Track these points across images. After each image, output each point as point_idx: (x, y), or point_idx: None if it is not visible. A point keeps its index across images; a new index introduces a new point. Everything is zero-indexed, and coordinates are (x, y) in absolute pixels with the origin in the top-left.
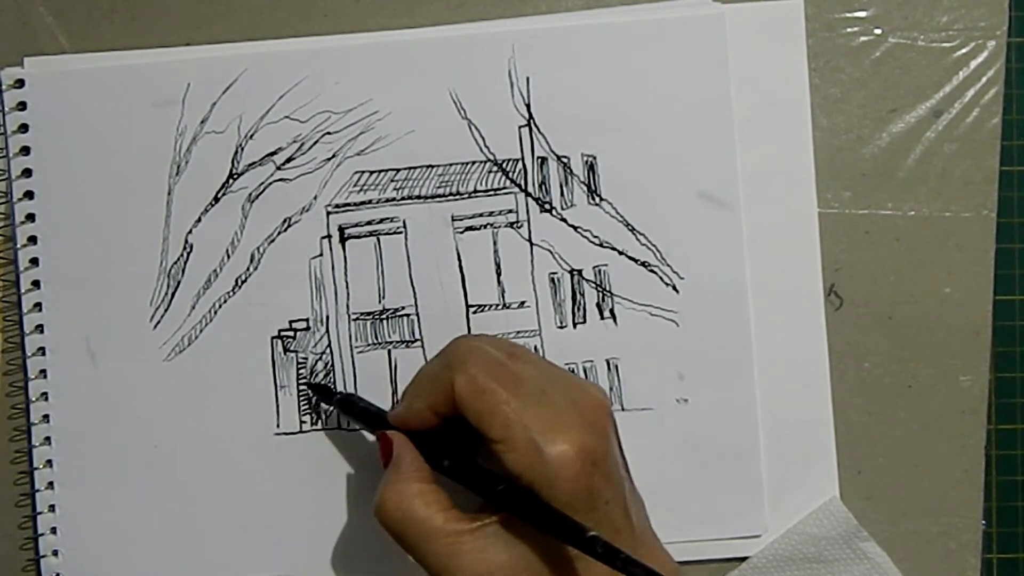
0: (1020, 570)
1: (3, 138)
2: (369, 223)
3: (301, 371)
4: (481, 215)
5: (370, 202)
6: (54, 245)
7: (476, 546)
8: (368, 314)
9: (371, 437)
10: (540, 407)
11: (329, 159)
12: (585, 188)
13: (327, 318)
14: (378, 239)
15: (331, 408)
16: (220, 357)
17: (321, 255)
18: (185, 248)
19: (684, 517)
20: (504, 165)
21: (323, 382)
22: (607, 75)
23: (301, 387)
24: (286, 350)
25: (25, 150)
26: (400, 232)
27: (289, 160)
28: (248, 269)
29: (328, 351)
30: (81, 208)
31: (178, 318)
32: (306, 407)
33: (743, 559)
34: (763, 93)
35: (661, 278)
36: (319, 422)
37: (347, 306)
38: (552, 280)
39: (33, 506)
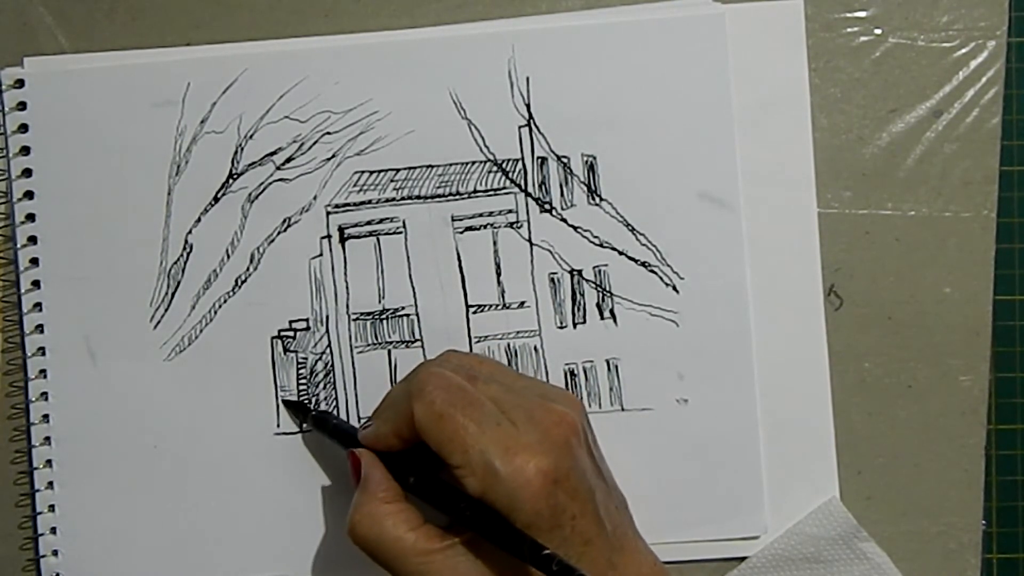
0: (1020, 570)
1: (3, 138)
2: (369, 223)
3: (301, 371)
4: (481, 215)
5: (370, 202)
6: (54, 245)
7: (447, 564)
8: (368, 314)
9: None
10: (499, 430)
11: (329, 159)
12: (585, 188)
13: (327, 318)
14: (378, 239)
15: (307, 425)
16: (220, 357)
17: (321, 255)
18: (185, 248)
19: (684, 517)
20: (504, 165)
21: (299, 399)
22: (607, 75)
23: (301, 386)
24: (286, 350)
25: (25, 150)
26: (400, 232)
27: (289, 160)
28: (248, 269)
29: (328, 351)
30: (81, 208)
31: (178, 318)
32: (305, 400)
33: (743, 559)
34: (763, 93)
35: (661, 278)
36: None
37: (347, 306)
38: (552, 280)
39: (33, 506)
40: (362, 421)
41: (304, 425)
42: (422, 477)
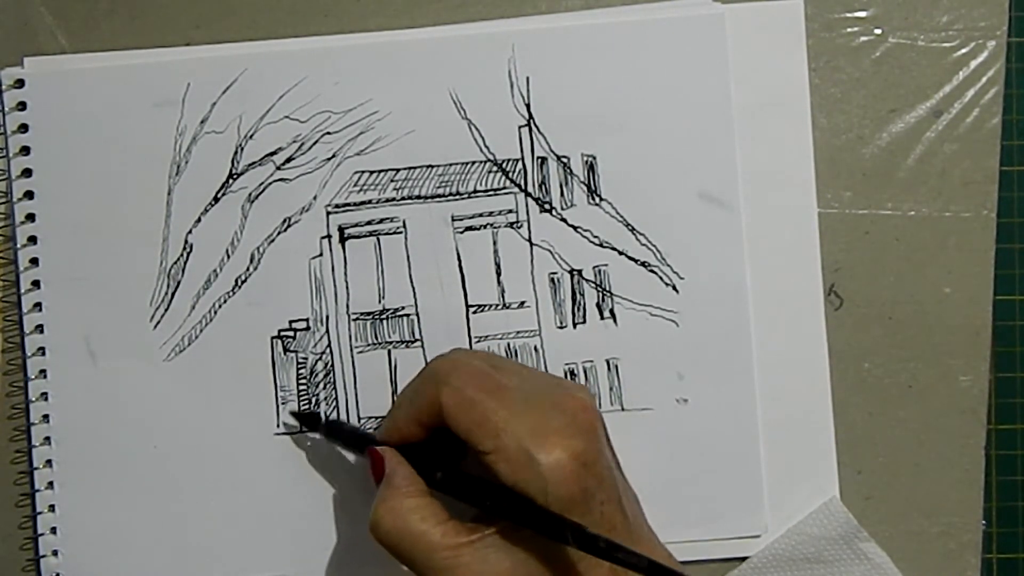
0: (1020, 570)
1: (3, 138)
2: (369, 223)
3: (301, 371)
4: (481, 215)
5: (370, 202)
6: (54, 245)
7: (476, 557)
8: (368, 314)
9: (351, 458)
10: (528, 415)
11: (329, 159)
12: (585, 188)
13: (327, 318)
14: (378, 239)
15: (318, 435)
16: (220, 357)
17: (321, 255)
18: (185, 248)
19: (684, 517)
20: (504, 165)
21: (307, 409)
22: (607, 75)
23: (301, 386)
24: (286, 350)
25: (25, 150)
26: (400, 232)
27: (289, 160)
28: (248, 269)
29: (328, 351)
30: (81, 208)
31: (178, 318)
32: (306, 407)
33: (743, 559)
34: (763, 93)
35: (661, 278)
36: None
37: (347, 306)
38: (552, 280)
39: (33, 506)
40: (362, 422)
41: (316, 434)
42: (449, 472)
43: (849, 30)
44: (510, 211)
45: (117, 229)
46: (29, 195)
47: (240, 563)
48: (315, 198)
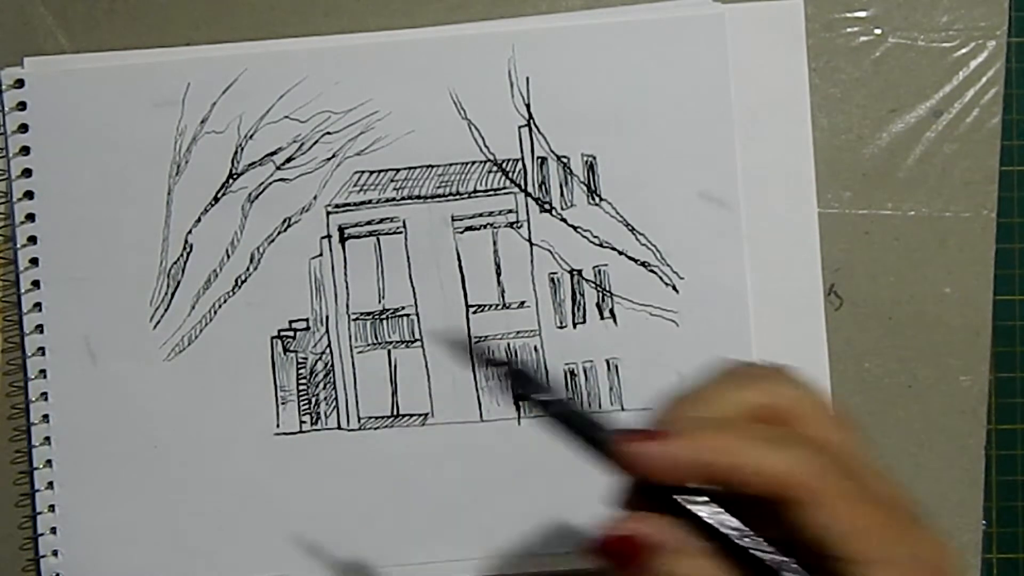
0: (1020, 570)
1: (3, 138)
2: (369, 223)
3: (301, 371)
4: (481, 215)
5: (370, 202)
6: (54, 245)
7: None
8: (368, 314)
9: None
10: (898, 511)
11: (329, 159)
12: (585, 188)
13: (327, 318)
14: (378, 239)
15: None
16: (220, 357)
17: (321, 255)
18: (185, 248)
19: None
20: (504, 165)
21: (519, 367)
22: (607, 75)
23: (301, 386)
24: (286, 350)
25: (25, 150)
26: (400, 232)
27: (289, 160)
28: (248, 269)
29: (328, 351)
30: (81, 208)
31: (178, 318)
32: (306, 407)
33: None
34: (763, 93)
35: (661, 278)
36: (523, 413)
37: (347, 306)
38: (552, 280)
39: (33, 506)
40: (362, 421)
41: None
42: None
43: (849, 30)
44: (510, 211)
45: (117, 229)
46: (29, 195)
47: (240, 563)
48: (315, 198)
